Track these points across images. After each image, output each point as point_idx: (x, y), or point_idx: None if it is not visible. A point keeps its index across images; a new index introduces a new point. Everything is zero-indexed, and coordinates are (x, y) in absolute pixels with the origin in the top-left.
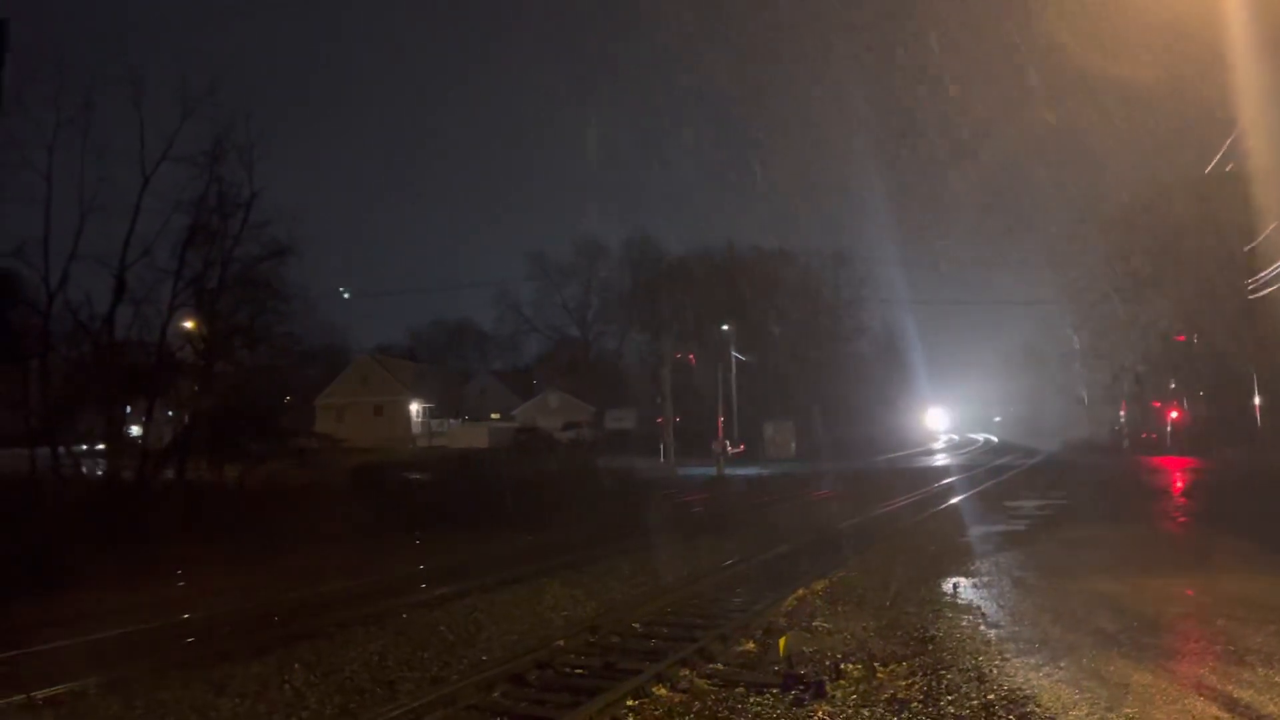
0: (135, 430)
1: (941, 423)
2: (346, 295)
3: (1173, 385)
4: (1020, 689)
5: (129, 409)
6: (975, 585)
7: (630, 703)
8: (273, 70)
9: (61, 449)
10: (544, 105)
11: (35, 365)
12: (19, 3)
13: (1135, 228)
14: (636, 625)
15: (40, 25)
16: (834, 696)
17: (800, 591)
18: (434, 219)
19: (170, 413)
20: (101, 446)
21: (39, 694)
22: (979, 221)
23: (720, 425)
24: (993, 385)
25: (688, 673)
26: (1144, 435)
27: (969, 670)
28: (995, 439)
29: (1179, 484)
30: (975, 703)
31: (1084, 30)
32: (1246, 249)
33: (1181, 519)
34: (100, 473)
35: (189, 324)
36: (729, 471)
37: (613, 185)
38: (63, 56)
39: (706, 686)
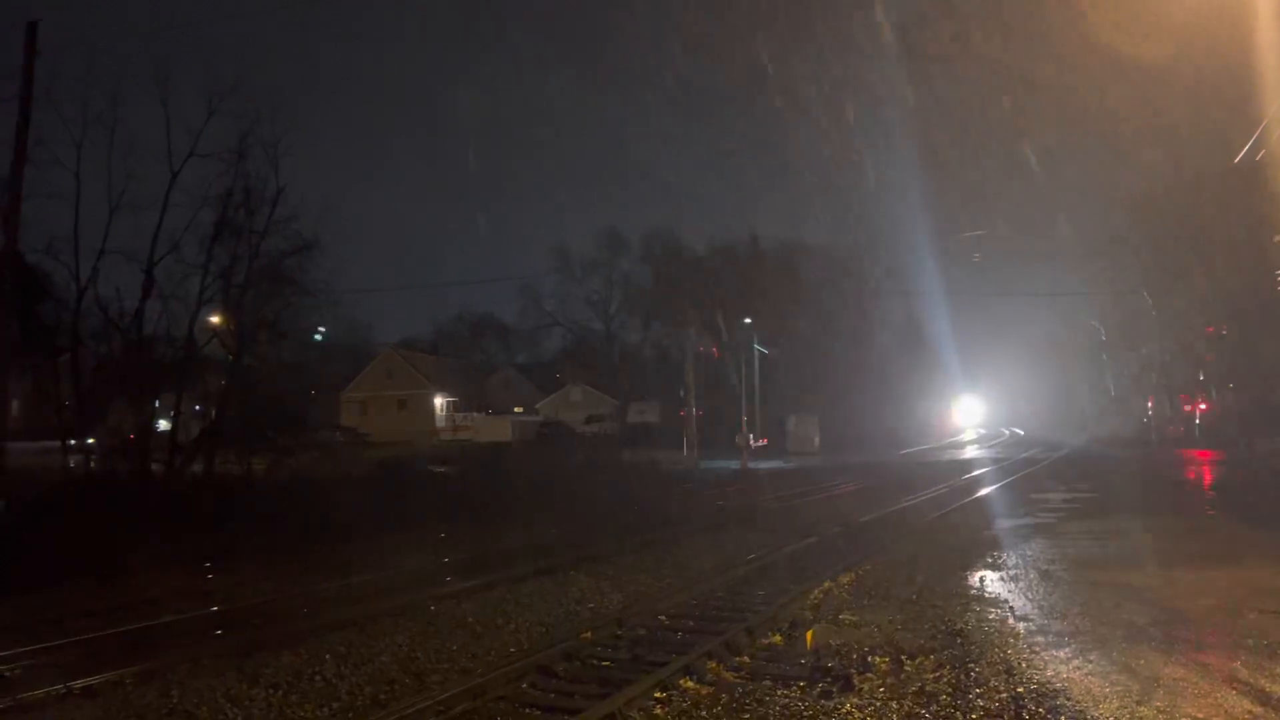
0: (164, 424)
1: (972, 415)
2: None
3: (1201, 377)
4: (1050, 682)
5: (157, 403)
6: (1002, 578)
7: (658, 695)
8: (299, 65)
9: (91, 442)
10: (567, 100)
11: (65, 360)
12: (48, 2)
13: (1165, 219)
14: (663, 618)
15: (68, 24)
16: (861, 690)
17: (826, 584)
18: (457, 213)
19: (198, 407)
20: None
21: (76, 684)
22: (1013, 212)
23: (744, 419)
24: (1022, 377)
25: (715, 665)
26: (1172, 428)
27: (997, 663)
28: (1022, 432)
29: (1207, 476)
30: (1004, 695)
31: (1116, 19)
32: (1277, 239)
33: (1210, 511)
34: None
35: (216, 319)
36: (752, 465)
37: (635, 179)
38: (91, 55)
39: (733, 679)
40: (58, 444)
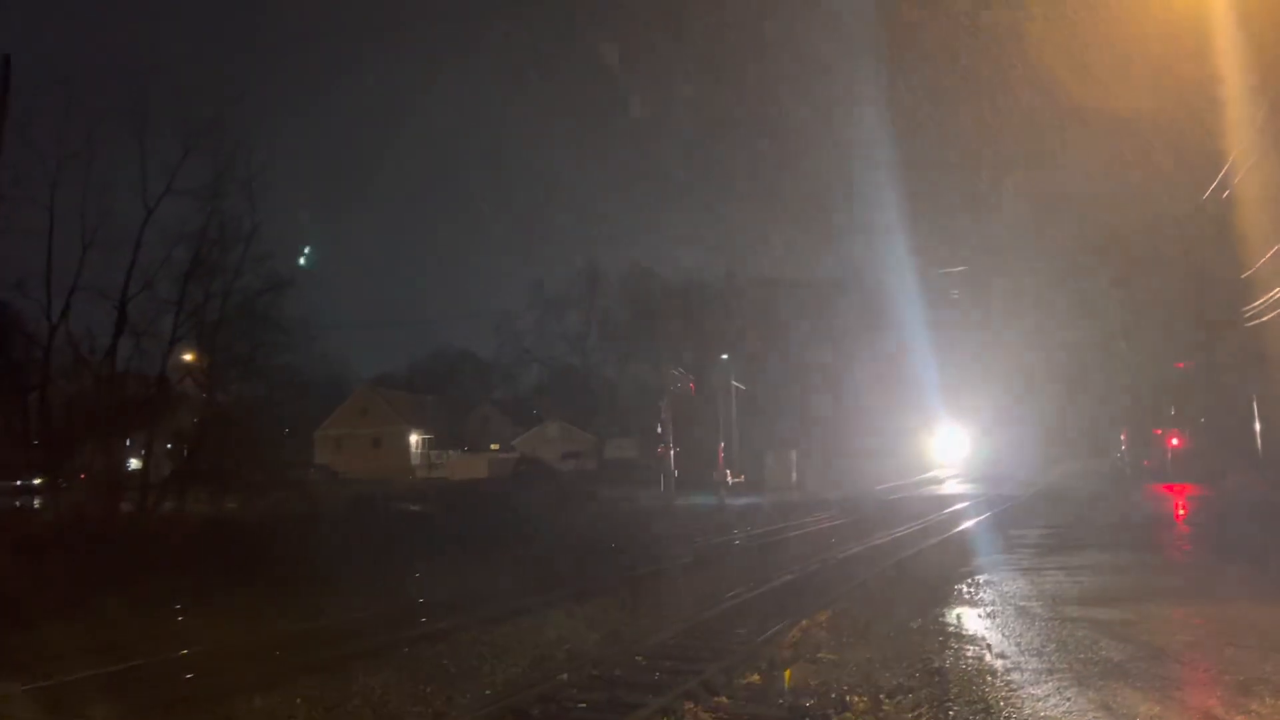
0: (135, 463)
1: (951, 451)
2: (303, 261)
3: (1173, 412)
4: None
5: (129, 442)
6: (980, 615)
7: None
8: (274, 103)
9: (61, 482)
10: (543, 136)
11: (35, 398)
12: (22, 38)
13: (1134, 256)
14: (640, 658)
15: (43, 59)
16: None
17: (804, 622)
18: (433, 250)
19: (170, 445)
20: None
21: None
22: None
23: (721, 454)
24: (1001, 413)
25: (692, 706)
26: (1144, 463)
27: (975, 702)
28: (997, 466)
29: (1181, 511)
30: None
31: (1076, 63)
32: (1243, 276)
33: (1185, 546)
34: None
35: (189, 356)
36: (730, 501)
37: (612, 215)
38: (67, 91)
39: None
40: (24, 483)
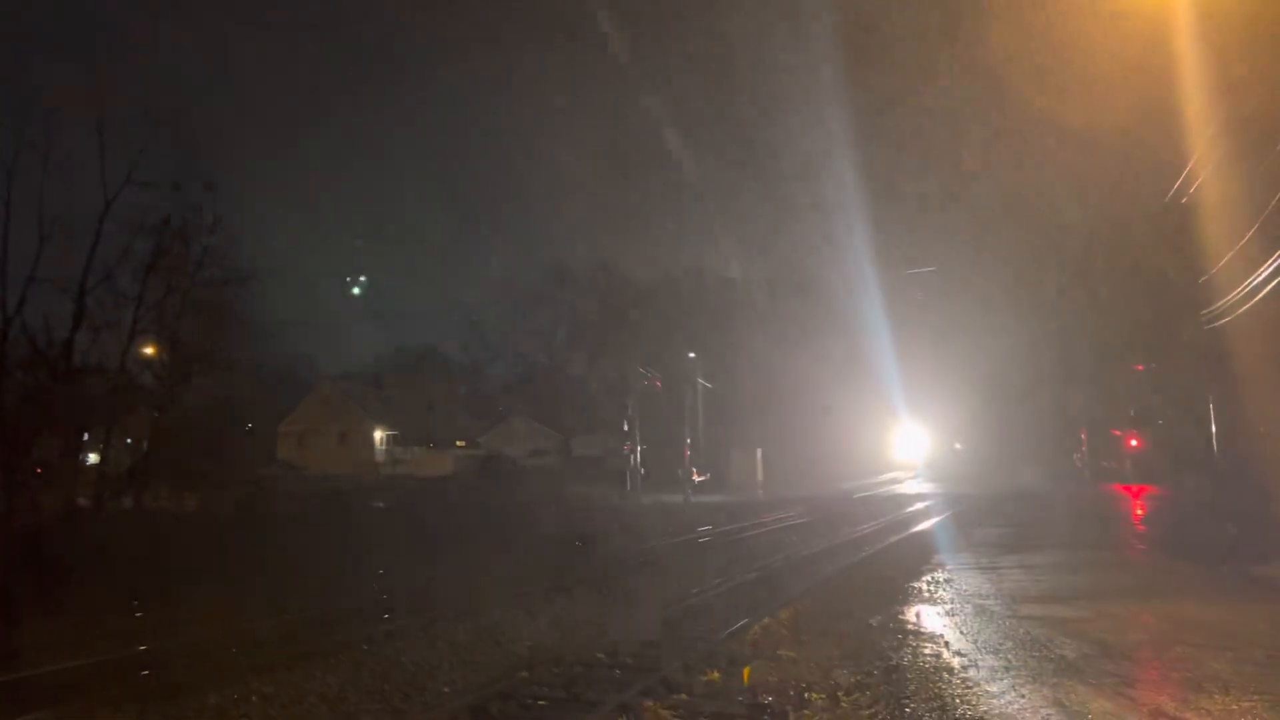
0: (93, 457)
1: (914, 452)
2: (356, 290)
3: (1132, 413)
4: (982, 717)
5: (86, 436)
6: (939, 612)
7: None
8: (239, 94)
9: (17, 476)
10: (512, 130)
11: None
12: None
13: (1093, 260)
14: (601, 655)
15: None
16: None
17: (766, 620)
18: (399, 246)
19: (129, 440)
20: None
21: None
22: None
23: (687, 452)
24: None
25: (652, 703)
26: (1104, 464)
27: (932, 699)
28: (960, 466)
29: (1139, 511)
30: None
31: (1032, 72)
32: (1201, 280)
33: (1141, 546)
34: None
35: (150, 350)
36: (695, 499)
37: (581, 213)
38: (22, 79)
39: (670, 717)
40: None
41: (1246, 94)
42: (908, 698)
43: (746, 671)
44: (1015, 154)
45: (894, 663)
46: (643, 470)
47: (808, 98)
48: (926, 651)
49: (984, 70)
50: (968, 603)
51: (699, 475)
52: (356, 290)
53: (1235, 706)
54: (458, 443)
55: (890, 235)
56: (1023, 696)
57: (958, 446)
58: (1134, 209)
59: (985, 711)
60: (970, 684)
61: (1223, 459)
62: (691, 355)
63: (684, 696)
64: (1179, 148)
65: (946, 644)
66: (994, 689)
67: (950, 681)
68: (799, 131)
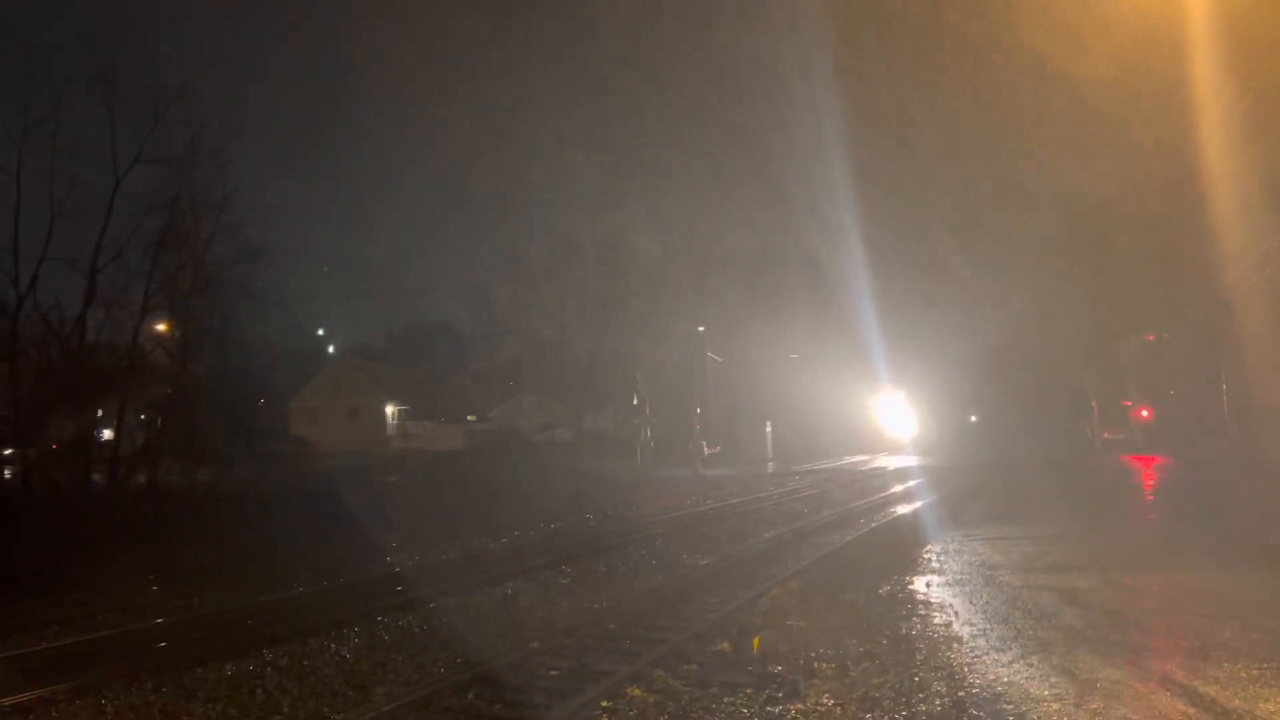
0: (107, 434)
1: (925, 424)
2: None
3: (1143, 384)
4: (991, 686)
5: (100, 412)
6: (947, 582)
7: (605, 704)
8: (249, 70)
9: (32, 453)
10: (521, 106)
11: (4, 369)
12: None
13: (1106, 229)
14: (612, 625)
15: (6, 23)
16: (808, 696)
17: (775, 590)
18: (410, 220)
19: (142, 416)
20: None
21: (5, 702)
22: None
23: (697, 425)
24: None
25: (662, 673)
26: (1106, 434)
27: (941, 668)
28: (967, 438)
29: (1149, 482)
30: (946, 700)
31: (1049, 30)
32: (1216, 249)
33: (1151, 516)
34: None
35: (161, 326)
36: (705, 473)
37: (590, 186)
38: (32, 56)
39: (681, 687)
40: None
41: (1262, 64)
42: (917, 667)
43: (756, 641)
44: (1026, 120)
45: (903, 632)
46: (653, 444)
47: (801, 74)
48: (935, 621)
49: (992, 35)
50: (976, 573)
51: (709, 449)
52: (331, 349)
53: (1244, 674)
54: (469, 417)
55: (908, 205)
56: (1031, 665)
57: (973, 419)
58: (1149, 176)
59: (994, 680)
60: (979, 653)
61: (1233, 428)
62: (701, 329)
63: (694, 666)
64: (1193, 116)
65: (955, 613)
66: (1003, 658)
67: (959, 651)
68: (808, 98)
